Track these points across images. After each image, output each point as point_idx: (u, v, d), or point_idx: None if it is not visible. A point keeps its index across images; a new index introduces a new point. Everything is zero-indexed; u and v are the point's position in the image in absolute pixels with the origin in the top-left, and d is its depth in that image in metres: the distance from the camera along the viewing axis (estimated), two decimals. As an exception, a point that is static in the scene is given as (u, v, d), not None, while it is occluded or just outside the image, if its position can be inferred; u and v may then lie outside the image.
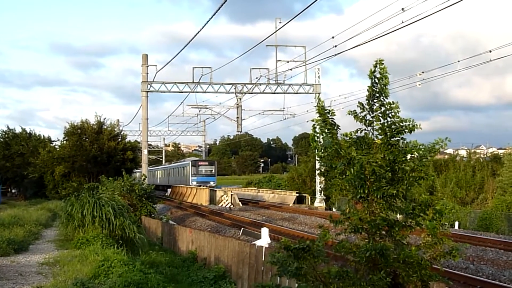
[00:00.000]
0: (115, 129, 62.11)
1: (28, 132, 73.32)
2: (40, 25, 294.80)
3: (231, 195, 53.38)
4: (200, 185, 70.13)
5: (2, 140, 71.10)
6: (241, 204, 52.63)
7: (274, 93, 48.01)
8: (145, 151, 49.90)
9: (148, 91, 46.63)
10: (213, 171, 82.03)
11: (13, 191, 77.46)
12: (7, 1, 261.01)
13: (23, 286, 13.06)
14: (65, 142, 59.75)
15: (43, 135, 74.73)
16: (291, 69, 45.28)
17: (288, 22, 33.90)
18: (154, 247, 21.70)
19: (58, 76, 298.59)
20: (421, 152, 7.73)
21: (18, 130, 72.93)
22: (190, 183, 75.51)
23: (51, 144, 67.07)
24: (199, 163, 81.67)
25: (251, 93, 48.54)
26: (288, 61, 45.60)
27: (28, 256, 18.49)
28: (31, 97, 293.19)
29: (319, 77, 47.76)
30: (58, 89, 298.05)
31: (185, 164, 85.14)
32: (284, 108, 56.58)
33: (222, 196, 54.48)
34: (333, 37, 35.47)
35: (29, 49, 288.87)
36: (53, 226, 29.33)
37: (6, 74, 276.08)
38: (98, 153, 55.37)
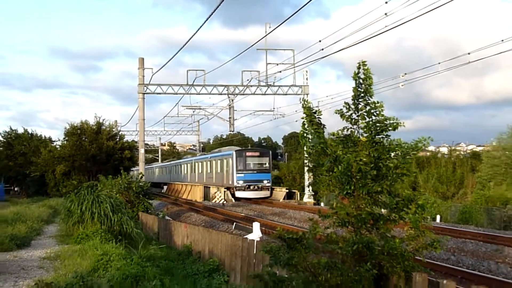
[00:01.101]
0: (113, 129, 62.29)
1: (30, 132, 73.22)
2: (39, 30, 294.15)
3: (224, 191, 53.48)
4: (248, 186, 51.84)
5: (5, 140, 71.08)
6: (233, 200, 52.66)
7: (265, 94, 48.19)
8: (142, 150, 49.86)
9: (144, 93, 46.61)
10: (267, 165, 55.28)
11: (15, 189, 77.15)
12: (6, 6, 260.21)
13: (25, 280, 13.02)
14: (65, 142, 59.73)
15: (44, 136, 75.11)
16: (280, 72, 45.31)
17: (277, 27, 33.89)
18: (151, 241, 21.67)
19: (58, 79, 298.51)
20: (404, 149, 7.76)
21: (20, 130, 72.69)
22: (234, 183, 52.63)
23: (52, 144, 67.02)
24: (247, 154, 55.44)
25: (243, 95, 48.59)
26: (277, 64, 45.63)
27: (30, 251, 18.45)
28: (32, 99, 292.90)
29: (307, 79, 47.91)
30: (58, 92, 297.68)
31: (223, 155, 58.24)
32: (274, 108, 56.62)
33: (215, 192, 54.62)
34: (320, 41, 35.47)
35: (29, 53, 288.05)
36: (54, 222, 29.27)
37: (8, 77, 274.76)
38: (97, 152, 55.51)
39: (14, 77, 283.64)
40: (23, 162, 65.22)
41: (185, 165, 77.46)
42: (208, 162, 64.27)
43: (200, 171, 67.42)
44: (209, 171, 63.66)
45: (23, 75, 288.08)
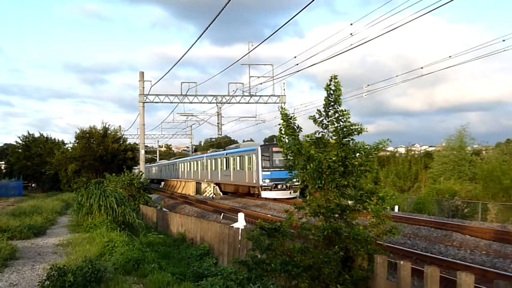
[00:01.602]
0: (118, 134, 62.39)
1: (45, 136, 74.06)
2: (54, 47, 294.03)
3: (214, 186, 53.35)
4: (275, 185, 39.76)
5: (23, 143, 71.93)
6: (221, 194, 52.55)
7: (248, 103, 48.07)
8: (142, 151, 49.63)
9: (144, 102, 46.46)
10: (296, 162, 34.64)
11: (33, 185, 76.89)
12: (24, 26, 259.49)
13: (41, 263, 12.96)
14: (76, 144, 59.87)
15: (58, 139, 75.79)
16: (261, 83, 45.61)
17: (259, 45, 34.14)
18: (150, 230, 21.61)
19: (70, 90, 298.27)
20: (367, 150, 7.81)
21: (36, 135, 73.87)
22: (260, 181, 40.50)
23: (64, 146, 67.55)
24: (274, 149, 40.48)
25: (229, 103, 48.50)
26: (259, 77, 45.79)
27: (46, 239, 18.34)
28: (47, 107, 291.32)
29: (284, 89, 47.88)
30: (70, 101, 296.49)
31: (245, 151, 45.37)
32: (256, 115, 56.77)
33: (206, 187, 54.50)
34: (295, 57, 35.53)
35: (45, 68, 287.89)
36: (66, 214, 29.10)
37: (26, 89, 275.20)
38: (104, 153, 55.68)
39: (32, 88, 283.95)
40: (39, 162, 65.69)
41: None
42: (224, 159, 51.85)
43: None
44: (225, 168, 51.19)
45: (39, 86, 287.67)
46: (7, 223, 19.61)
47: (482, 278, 12.07)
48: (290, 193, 39.78)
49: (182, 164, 71.47)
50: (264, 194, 40.51)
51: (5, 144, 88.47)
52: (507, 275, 12.95)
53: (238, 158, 46.27)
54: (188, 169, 66.17)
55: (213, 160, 55.06)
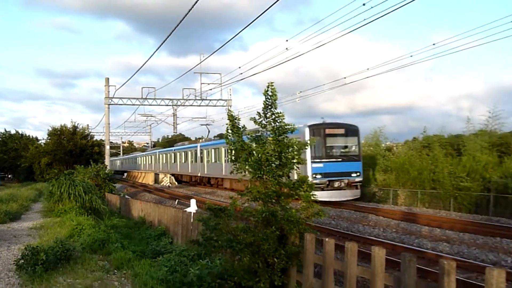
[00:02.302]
0: (86, 131, 62.11)
1: (20, 133, 74.14)
2: (28, 54, 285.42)
3: (170, 176, 52.99)
4: (330, 182, 25.71)
5: (0, 139, 70.08)
6: (176, 183, 52.20)
7: (200, 106, 48.15)
8: (107, 147, 48.88)
9: (109, 104, 45.78)
10: (356, 149, 27.57)
11: (9, 176, 74.84)
12: (0, 36, 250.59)
13: (17, 244, 12.72)
14: (48, 140, 59.48)
15: (32, 136, 75.70)
16: (211, 89, 45.86)
17: (209, 56, 34.19)
18: (114, 214, 21.37)
19: (43, 93, 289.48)
20: (298, 146, 7.93)
21: (13, 132, 73.45)
22: (309, 175, 23.79)
23: (38, 142, 67.43)
24: (328, 131, 26.44)
25: (183, 106, 48.32)
26: (209, 84, 45.86)
27: (21, 223, 17.97)
28: (22, 108, 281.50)
29: (230, 94, 48.11)
30: (43, 102, 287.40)
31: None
32: (206, 116, 57.52)
33: (163, 177, 54.11)
34: (240, 67, 36.03)
35: (20, 73, 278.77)
36: (39, 201, 28.56)
37: (3, 91, 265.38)
38: (73, 148, 55.32)
39: (7, 91, 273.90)
40: (15, 156, 65.17)
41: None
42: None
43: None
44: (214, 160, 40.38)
45: (15, 89, 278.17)
46: (-15, 210, 19.12)
47: (392, 251, 12.44)
48: (352, 193, 26.25)
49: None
50: (318, 195, 20.49)
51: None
52: (412, 248, 13.40)
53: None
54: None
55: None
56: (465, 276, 10.20)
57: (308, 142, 8.13)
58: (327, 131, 26.14)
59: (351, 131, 27.08)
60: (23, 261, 9.30)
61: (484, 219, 19.45)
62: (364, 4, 16.53)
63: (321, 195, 22.89)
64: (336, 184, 25.31)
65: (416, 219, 18.24)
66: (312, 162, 24.69)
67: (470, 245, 13.64)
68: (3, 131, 71.57)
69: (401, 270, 5.26)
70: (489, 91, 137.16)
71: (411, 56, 29.89)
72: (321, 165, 25.14)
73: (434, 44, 22.04)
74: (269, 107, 7.83)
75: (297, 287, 7.08)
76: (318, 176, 24.71)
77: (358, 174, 26.14)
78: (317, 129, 25.87)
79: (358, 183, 26.35)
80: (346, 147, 26.99)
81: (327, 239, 6.70)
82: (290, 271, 7.24)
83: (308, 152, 23.60)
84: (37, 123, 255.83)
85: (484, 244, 13.63)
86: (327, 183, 25.13)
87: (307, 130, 25.37)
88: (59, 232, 14.26)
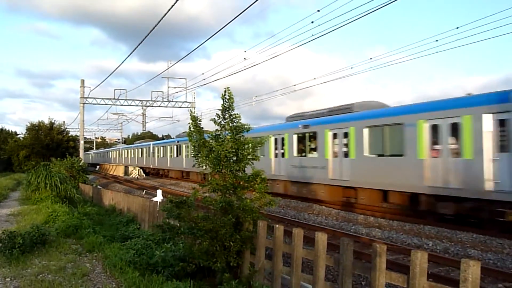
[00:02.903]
0: (62, 127, 60.45)
1: (0, 128, 70.43)
2: (8, 56, 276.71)
3: (138, 169, 52.21)
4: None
5: None
6: (144, 175, 51.42)
7: (167, 107, 47.64)
8: (82, 142, 47.58)
9: (84, 103, 44.59)
10: None
11: (-11, 167, 72.39)
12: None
13: (-4, 230, 12.21)
14: (27, 135, 57.63)
15: (11, 130, 72.91)
16: (177, 92, 45.67)
17: (176, 63, 33.99)
18: (87, 203, 20.75)
19: (22, 91, 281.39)
20: (253, 143, 7.92)
21: None
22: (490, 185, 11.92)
23: (17, 136, 64.88)
24: None
25: (152, 106, 47.80)
26: (175, 87, 45.66)
27: None
28: (2, 104, 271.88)
29: (194, 97, 47.79)
30: (22, 100, 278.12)
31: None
32: (172, 116, 56.97)
33: (132, 170, 53.24)
34: (203, 73, 35.92)
35: (1, 73, 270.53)
36: (18, 190, 27.57)
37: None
38: (50, 142, 53.92)
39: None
40: None
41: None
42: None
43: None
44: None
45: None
46: (-34, 198, 18.43)
47: (333, 236, 12.59)
48: None
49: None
50: None
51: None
52: (350, 234, 13.61)
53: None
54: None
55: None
56: (394, 257, 10.44)
57: (263, 141, 8.13)
58: None
59: None
60: (0, 244, 8.99)
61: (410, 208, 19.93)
62: (312, 22, 16.90)
63: None
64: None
65: (353, 209, 18.52)
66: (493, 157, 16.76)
67: (398, 231, 13.97)
68: (-16, 126, 69.11)
69: (340, 252, 5.33)
70: (416, 99, 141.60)
71: (352, 68, 30.54)
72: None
73: (371, 59, 22.50)
74: (227, 109, 7.80)
75: (250, 268, 7.08)
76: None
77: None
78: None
79: None
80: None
81: (277, 226, 6.73)
82: (245, 254, 7.24)
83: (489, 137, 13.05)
84: (16, 119, 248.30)
85: (410, 230, 13.99)
86: None
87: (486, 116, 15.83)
88: (36, 218, 13.82)
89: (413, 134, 14.70)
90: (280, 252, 6.55)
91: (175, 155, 41.02)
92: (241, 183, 7.73)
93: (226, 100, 7.73)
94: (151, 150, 48.29)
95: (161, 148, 45.90)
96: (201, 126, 8.10)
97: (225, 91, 7.75)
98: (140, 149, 53.33)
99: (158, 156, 46.72)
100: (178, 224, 7.43)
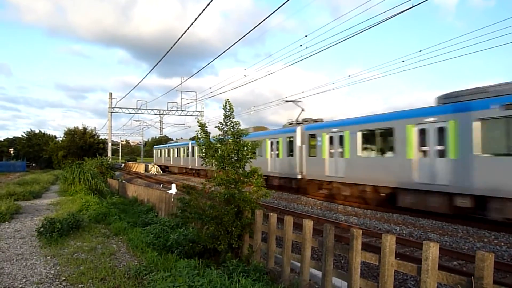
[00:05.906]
0: (93, 132, 60.55)
1: (43, 132, 72.66)
2: (49, 73, 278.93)
3: (156, 167, 52.16)
4: None
5: (27, 136, 69.61)
6: (161, 172, 51.31)
7: (180, 115, 47.66)
8: (109, 144, 47.61)
9: (112, 112, 44.61)
10: None
11: (33, 164, 72.19)
12: (27, 56, 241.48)
13: (38, 216, 12.26)
14: (64, 138, 57.91)
15: (51, 134, 73.33)
16: (189, 103, 45.68)
17: (188, 79, 34.30)
18: (114, 194, 20.78)
19: (60, 102, 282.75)
20: (252, 145, 7.92)
21: (37, 131, 72.21)
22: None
23: (56, 139, 65.45)
24: None
25: (168, 115, 47.72)
26: (187, 99, 45.87)
27: (41, 200, 17.27)
28: (44, 113, 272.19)
29: (203, 107, 47.85)
30: (60, 109, 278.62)
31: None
32: (185, 123, 57.07)
33: (151, 168, 53.18)
34: (210, 87, 36.04)
35: (43, 86, 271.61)
36: (57, 184, 27.51)
37: (29, 100, 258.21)
38: (83, 144, 54.09)
39: (33, 100, 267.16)
40: (38, 149, 64.55)
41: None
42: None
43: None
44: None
45: (39, 99, 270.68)
46: (14, 189, 18.54)
47: (317, 223, 12.58)
48: None
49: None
50: None
51: (14, 137, 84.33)
52: (331, 220, 13.61)
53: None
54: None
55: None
56: (368, 240, 10.44)
57: (259, 144, 8.14)
58: None
59: None
60: (43, 228, 9.06)
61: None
62: (301, 45, 16.87)
63: None
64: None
65: (334, 200, 18.50)
66: None
67: (372, 218, 13.97)
68: (29, 130, 70.59)
69: (323, 236, 5.34)
70: (386, 110, 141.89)
71: (333, 83, 30.70)
72: None
73: (349, 76, 22.61)
74: (229, 117, 7.80)
75: (249, 248, 7.08)
76: None
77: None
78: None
79: None
80: None
81: (271, 214, 6.74)
82: (244, 237, 7.23)
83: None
84: (55, 125, 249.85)
85: (381, 217, 13.99)
86: None
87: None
88: (71, 207, 13.81)
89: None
90: (274, 236, 6.55)
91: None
92: (241, 178, 7.73)
93: (227, 110, 7.73)
94: (190, 150, 39.64)
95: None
96: (207, 131, 8.09)
97: (225, 102, 7.74)
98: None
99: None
100: (188, 212, 7.42)
